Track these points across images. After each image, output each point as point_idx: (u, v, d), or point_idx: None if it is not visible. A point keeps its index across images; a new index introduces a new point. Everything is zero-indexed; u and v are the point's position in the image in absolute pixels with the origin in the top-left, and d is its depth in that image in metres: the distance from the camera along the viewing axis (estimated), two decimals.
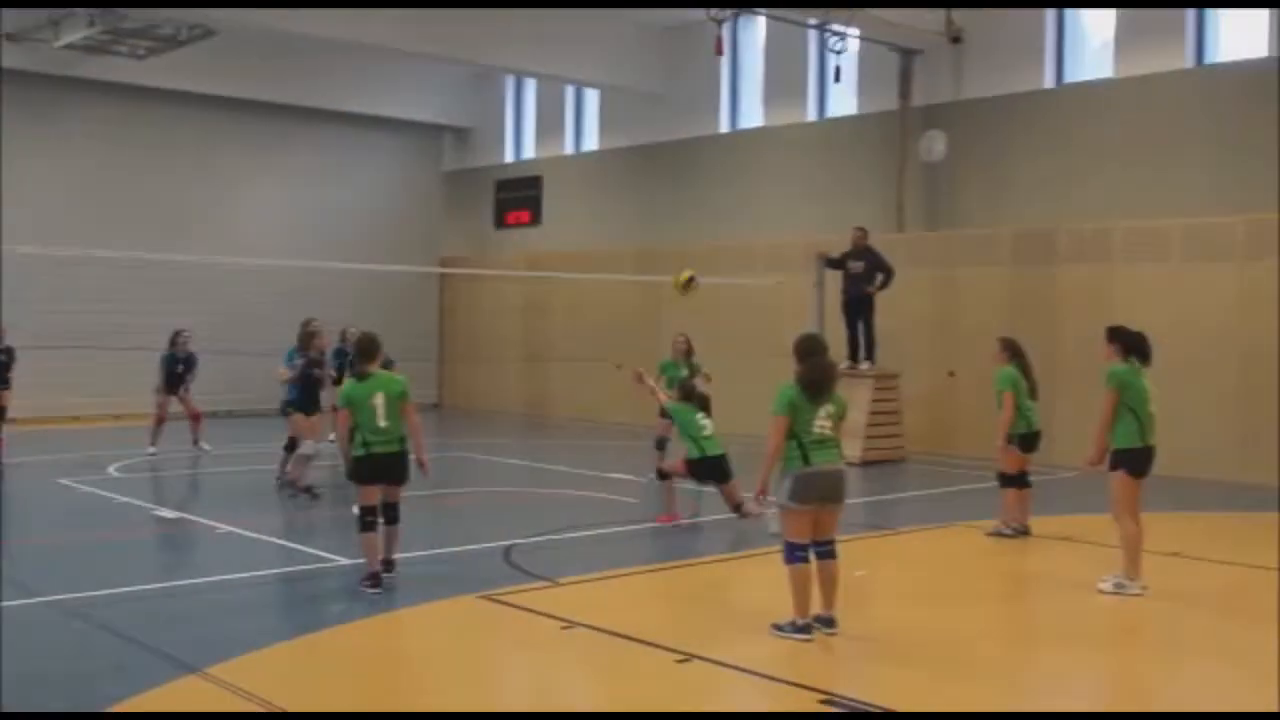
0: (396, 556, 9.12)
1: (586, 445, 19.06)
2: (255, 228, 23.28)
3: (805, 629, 7.43)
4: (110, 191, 22.02)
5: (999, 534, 11.10)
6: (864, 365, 17.06)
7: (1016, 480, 11.11)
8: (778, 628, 7.51)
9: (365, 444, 8.64)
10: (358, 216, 24.82)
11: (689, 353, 14.03)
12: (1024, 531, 11.09)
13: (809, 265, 17.26)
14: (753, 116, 21.77)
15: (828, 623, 7.54)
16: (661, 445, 13.83)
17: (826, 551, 7.58)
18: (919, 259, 18.31)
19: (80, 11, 18.89)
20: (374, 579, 8.73)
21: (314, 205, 24.46)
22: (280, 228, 23.59)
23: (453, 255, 26.33)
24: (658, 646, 7.26)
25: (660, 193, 22.85)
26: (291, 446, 13.09)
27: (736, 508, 11.27)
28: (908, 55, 19.05)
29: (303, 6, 17.27)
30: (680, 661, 6.99)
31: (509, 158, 26.26)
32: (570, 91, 24.85)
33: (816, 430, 7.41)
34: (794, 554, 7.46)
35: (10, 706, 6.19)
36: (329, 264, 20.19)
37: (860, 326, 17.05)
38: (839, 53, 18.69)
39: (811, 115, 20.84)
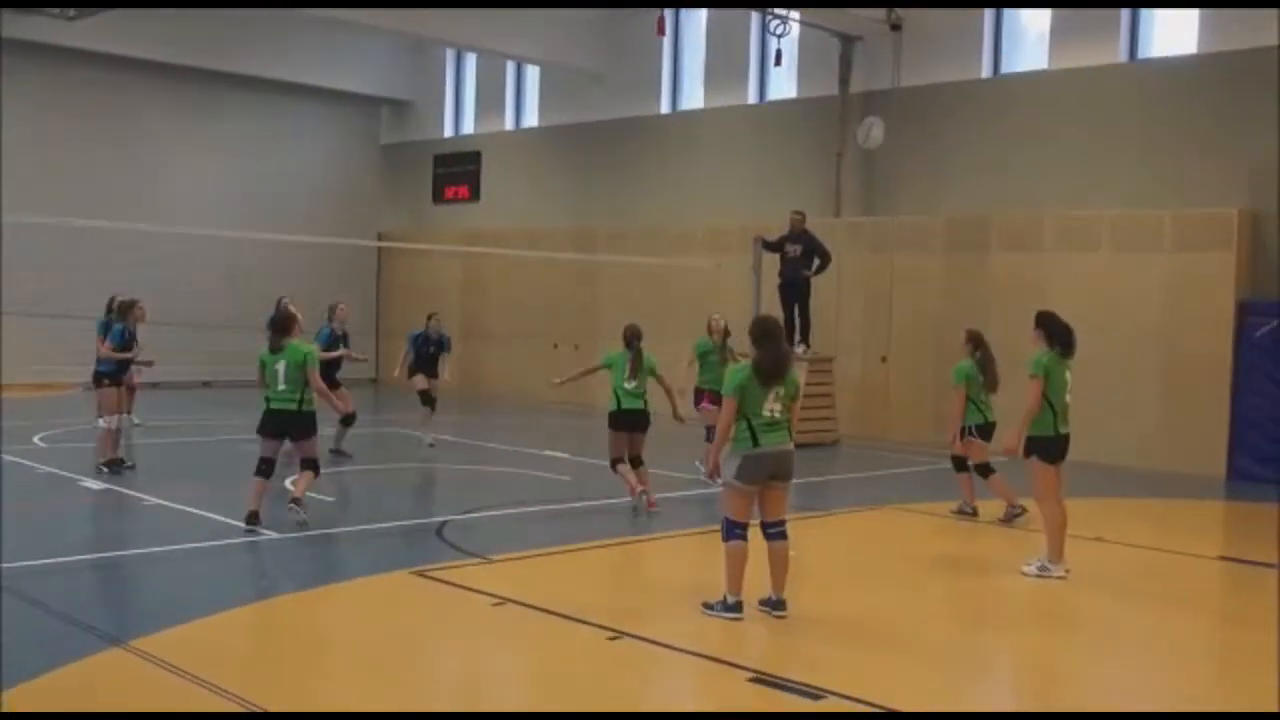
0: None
1: (522, 424, 19.04)
2: (190, 198, 22.91)
3: (736, 607, 7.49)
4: (38, 157, 21.50)
5: (962, 513, 11.44)
6: (799, 349, 17.16)
7: (981, 469, 11.26)
8: (708, 606, 7.57)
9: (266, 400, 9.89)
10: (294, 189, 24.52)
11: (726, 333, 13.72)
12: (971, 513, 11.38)
13: (747, 248, 17.33)
14: (694, 98, 21.79)
15: (777, 605, 7.59)
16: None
17: (777, 533, 7.63)
18: (855, 244, 18.47)
19: None
20: (253, 518, 9.68)
21: (250, 176, 24.12)
22: (215, 199, 23.23)
23: (391, 229, 26.12)
24: (589, 624, 7.29)
25: (600, 172, 22.81)
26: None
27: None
28: (848, 41, 19.16)
29: None
30: (611, 639, 7.04)
31: (448, 132, 26.06)
32: (511, 67, 24.70)
33: (766, 413, 7.46)
34: (732, 531, 7.52)
35: None
36: (263, 235, 19.89)
37: (796, 310, 17.15)
38: (780, 36, 18.77)
39: (752, 98, 20.90)
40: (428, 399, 15.26)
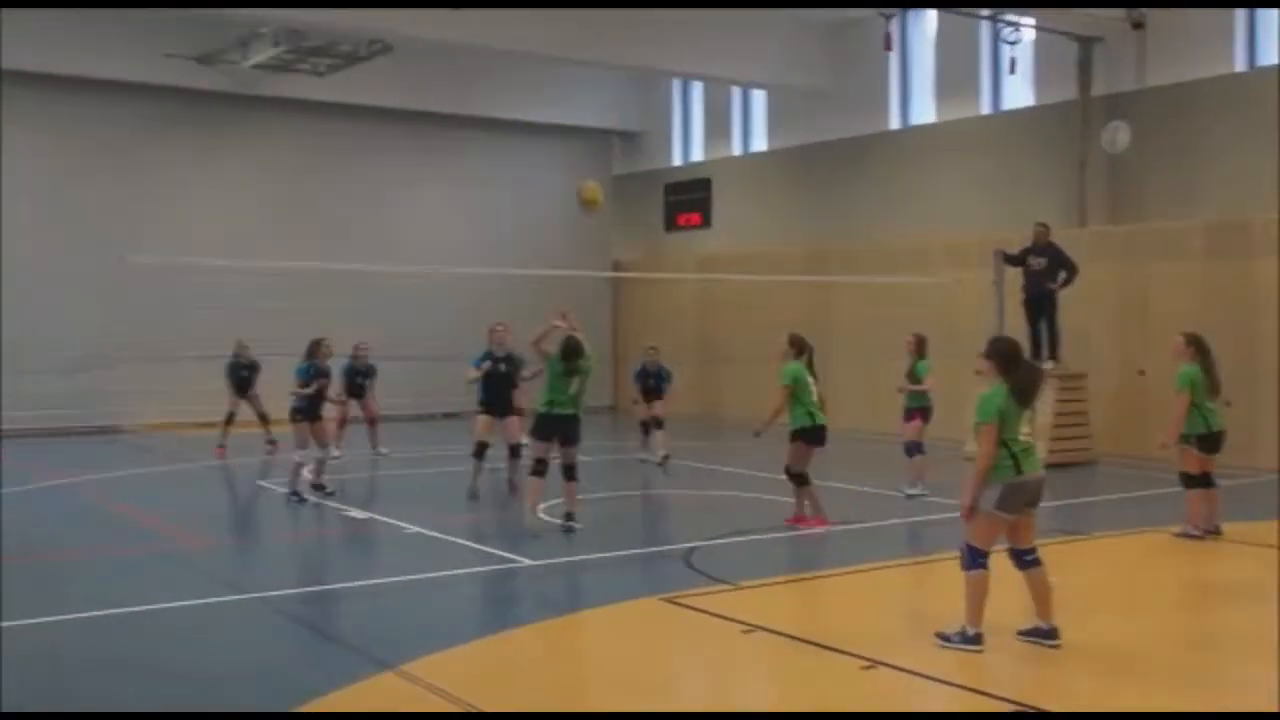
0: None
1: (762, 448, 18.95)
2: (430, 237, 23.90)
3: (976, 639, 7.17)
4: (294, 203, 22.94)
5: (1186, 535, 10.69)
6: (1047, 364, 16.53)
7: (1199, 481, 10.64)
8: (944, 638, 7.25)
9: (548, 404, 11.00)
10: (530, 223, 25.25)
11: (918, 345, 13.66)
12: (1214, 532, 10.64)
13: (987, 262, 16.84)
14: (924, 112, 21.36)
15: (1048, 634, 7.24)
16: (915, 451, 13.37)
17: (1032, 560, 7.33)
18: (1103, 254, 17.65)
19: (266, 32, 19.75)
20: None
21: (487, 213, 25.00)
22: (454, 236, 24.16)
23: (624, 259, 26.59)
24: (842, 652, 7.16)
25: (830, 191, 22.62)
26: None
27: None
28: (1086, 43, 18.41)
29: (478, 6, 17.48)
30: (866, 668, 6.89)
31: (678, 160, 26.38)
32: (737, 93, 24.81)
33: (1023, 437, 7.20)
34: (976, 560, 7.22)
35: (215, 701, 6.48)
36: (503, 270, 20.60)
37: (1043, 325, 16.55)
38: (1014, 43, 18.21)
39: (986, 109, 20.33)
40: (652, 426, 16.10)
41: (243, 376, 17.09)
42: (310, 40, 19.85)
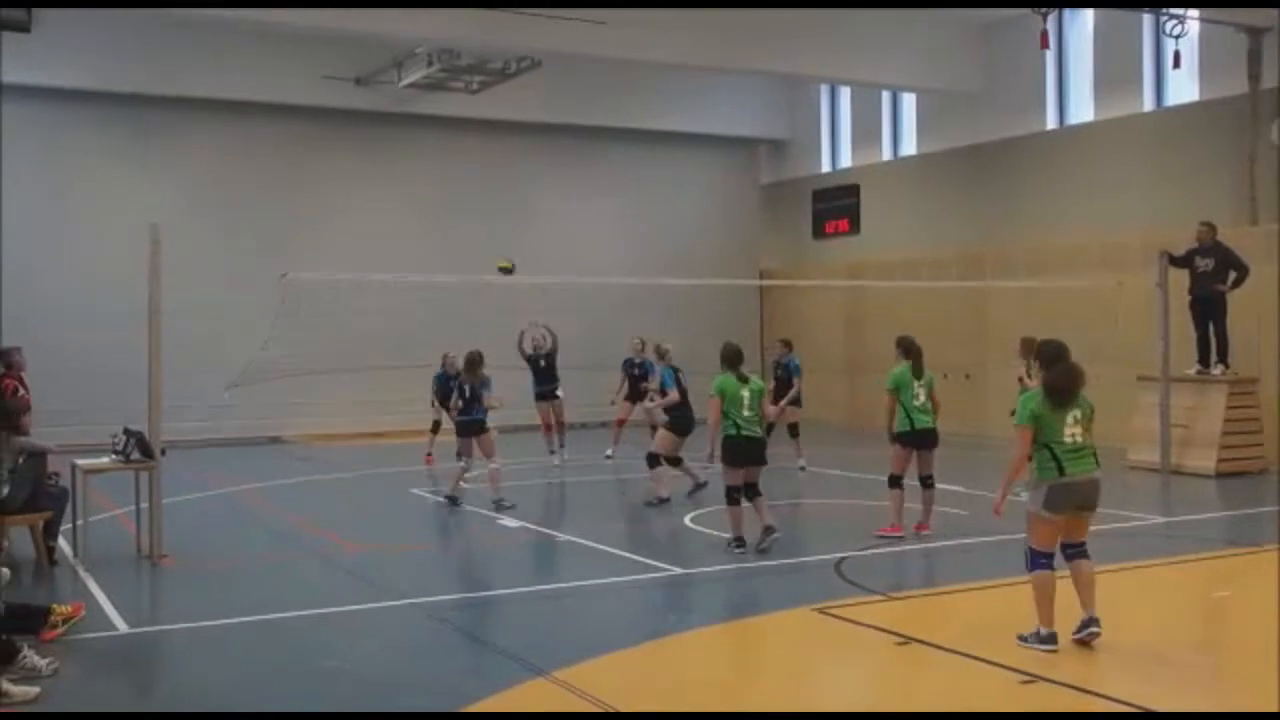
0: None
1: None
2: (579, 249, 24.15)
3: (1051, 639, 7.26)
4: (445, 217, 23.47)
5: None
6: (1216, 370, 15.89)
7: None
8: (1022, 639, 7.35)
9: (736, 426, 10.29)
10: (678, 233, 25.35)
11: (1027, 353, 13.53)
12: None
13: (1149, 264, 16.24)
14: (1082, 110, 20.73)
15: (1088, 624, 7.34)
16: None
17: (1077, 552, 7.47)
18: (1276, 254, 16.85)
19: (420, 52, 20.29)
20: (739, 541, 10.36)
21: (635, 224, 25.17)
22: (602, 246, 24.38)
23: (772, 267, 26.46)
24: (999, 666, 7.00)
25: (984, 195, 22.14)
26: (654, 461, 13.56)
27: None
28: (1256, 34, 17.62)
29: (623, 6, 17.61)
30: (1025, 683, 6.71)
31: (825, 167, 26.15)
32: (886, 97, 24.50)
33: (1068, 438, 7.27)
34: (1037, 561, 7.36)
35: (377, 703, 6.66)
36: (652, 280, 20.71)
37: (1211, 328, 15.90)
38: (1177, 37, 17.54)
39: (1148, 105, 19.63)
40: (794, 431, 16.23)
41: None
42: (463, 58, 20.32)
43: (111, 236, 19.78)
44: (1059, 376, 7.36)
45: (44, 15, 19.06)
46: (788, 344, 16.94)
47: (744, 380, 10.47)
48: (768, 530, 10.45)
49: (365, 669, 7.30)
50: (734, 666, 7.63)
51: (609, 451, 17.51)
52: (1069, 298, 18.36)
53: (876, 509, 12.88)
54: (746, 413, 10.33)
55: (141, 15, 18.88)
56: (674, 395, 13.67)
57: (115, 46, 20.06)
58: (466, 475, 13.81)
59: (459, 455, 13.73)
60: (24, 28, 18.89)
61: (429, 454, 17.56)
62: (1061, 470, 7.24)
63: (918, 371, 11.39)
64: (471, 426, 13.55)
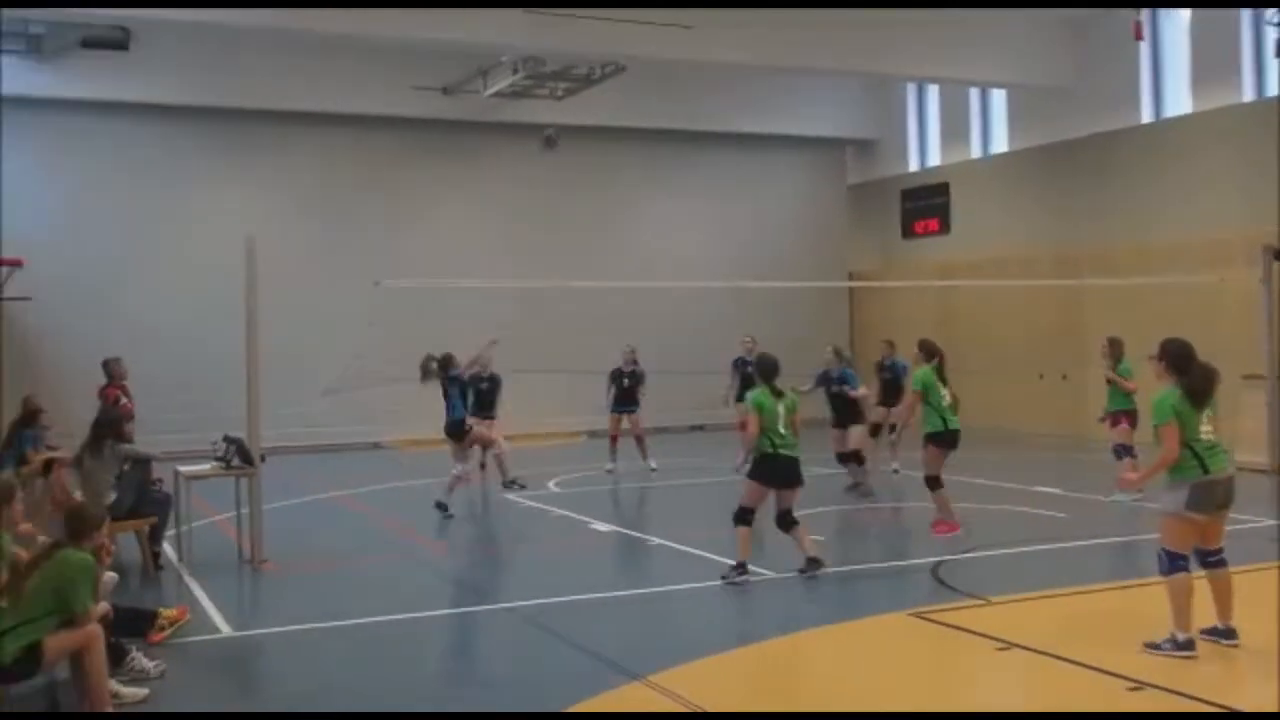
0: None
1: (1007, 458, 18.35)
2: (667, 252, 24.17)
3: (1188, 645, 7.11)
4: (529, 224, 23.60)
5: None
6: None
7: None
8: (1154, 646, 7.19)
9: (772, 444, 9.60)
10: (766, 235, 25.22)
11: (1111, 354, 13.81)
12: None
13: (1252, 260, 15.82)
14: (1179, 102, 20.23)
15: (1227, 634, 7.25)
16: (1124, 453, 13.12)
17: (1218, 561, 7.38)
18: None
19: (506, 61, 20.46)
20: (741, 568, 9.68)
21: (723, 226, 25.09)
22: (691, 250, 24.35)
23: (861, 268, 26.22)
24: (1104, 672, 6.85)
25: (1078, 192, 21.69)
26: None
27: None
28: None
29: (705, 5, 17.57)
30: (1132, 689, 6.56)
31: (914, 166, 25.85)
32: (975, 94, 24.15)
33: (1204, 436, 7.21)
34: (1175, 564, 7.22)
35: (474, 705, 6.71)
36: (740, 283, 20.64)
37: None
38: (1278, 24, 17.04)
39: (1249, 95, 19.09)
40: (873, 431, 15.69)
41: (624, 386, 17.57)
42: (547, 65, 20.45)
43: (210, 247, 20.21)
44: (1198, 378, 7.33)
45: (142, 33, 19.56)
46: (892, 345, 16.66)
47: (779, 395, 9.75)
48: (812, 562, 9.70)
49: (460, 671, 7.37)
50: (830, 672, 7.55)
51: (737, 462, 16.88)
52: (1168, 295, 17.94)
53: (972, 512, 12.72)
54: (783, 429, 9.58)
55: (235, 30, 19.29)
56: (864, 391, 14.60)
57: (209, 63, 20.50)
58: (468, 473, 14.11)
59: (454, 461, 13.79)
60: (122, 46, 19.44)
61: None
62: (1205, 468, 7.17)
63: (942, 374, 11.71)
64: (451, 429, 13.70)
